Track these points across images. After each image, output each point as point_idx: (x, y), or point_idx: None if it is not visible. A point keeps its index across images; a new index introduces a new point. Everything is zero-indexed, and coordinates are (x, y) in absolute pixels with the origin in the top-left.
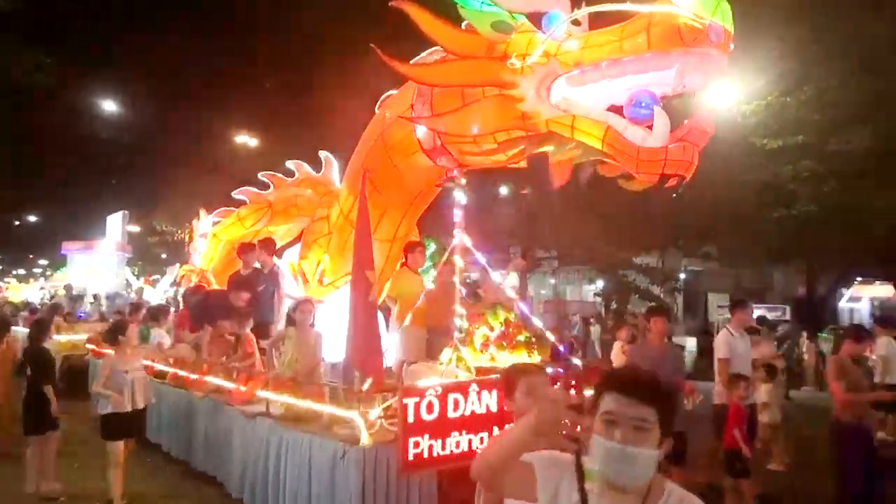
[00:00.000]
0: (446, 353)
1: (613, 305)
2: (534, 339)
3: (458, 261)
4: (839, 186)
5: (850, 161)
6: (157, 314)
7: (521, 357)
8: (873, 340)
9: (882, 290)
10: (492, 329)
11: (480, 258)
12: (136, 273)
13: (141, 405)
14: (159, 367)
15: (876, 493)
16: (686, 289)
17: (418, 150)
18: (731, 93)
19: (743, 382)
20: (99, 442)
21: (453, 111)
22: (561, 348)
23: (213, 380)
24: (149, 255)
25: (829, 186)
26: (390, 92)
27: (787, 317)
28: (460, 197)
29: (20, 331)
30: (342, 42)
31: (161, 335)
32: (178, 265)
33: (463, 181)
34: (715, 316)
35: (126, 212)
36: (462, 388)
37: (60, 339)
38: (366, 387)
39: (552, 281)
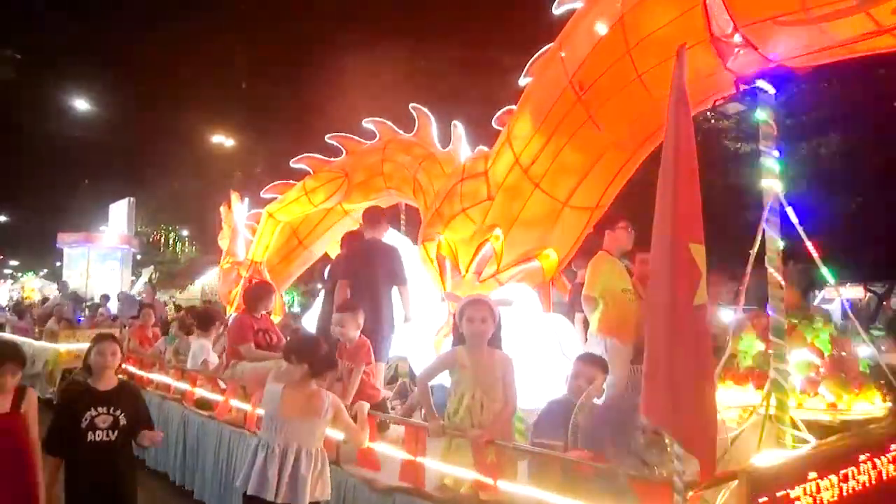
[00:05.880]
0: (728, 393)
1: None
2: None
3: (775, 236)
4: (809, 190)
5: (820, 166)
6: (205, 319)
7: (875, 405)
8: None
9: (853, 291)
10: (821, 354)
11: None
12: None
13: None
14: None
15: None
16: None
17: (697, 41)
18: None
19: None
20: None
21: None
22: None
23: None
24: None
25: (800, 190)
26: None
27: None
28: (767, 128)
29: (6, 336)
30: (326, 39)
31: (205, 348)
32: (152, 266)
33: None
34: None
35: (132, 198)
36: (833, 466)
37: (59, 349)
38: (690, 473)
39: None
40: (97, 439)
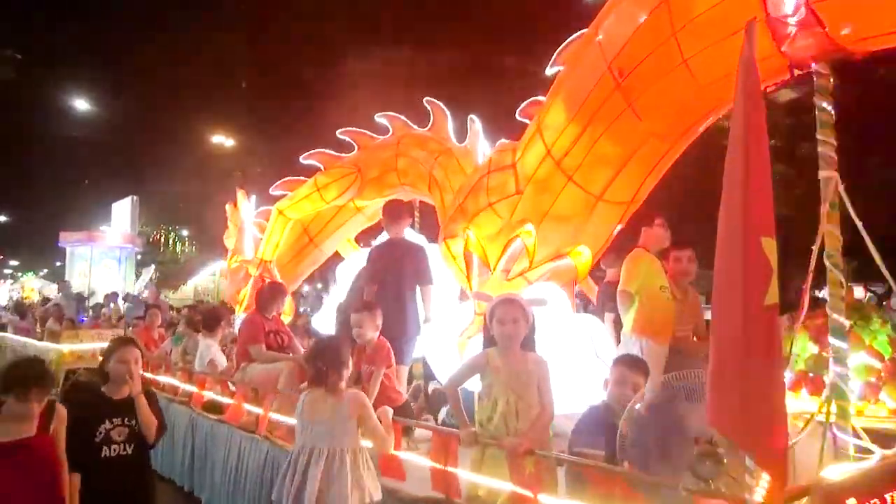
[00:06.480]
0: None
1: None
2: None
3: (835, 231)
4: (809, 190)
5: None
6: (211, 319)
7: None
8: None
9: (853, 290)
10: (880, 357)
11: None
12: None
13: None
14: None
15: None
16: None
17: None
18: None
19: None
20: None
21: None
22: None
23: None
24: None
25: (800, 190)
26: None
27: None
28: (825, 115)
29: (9, 337)
30: (327, 38)
31: (212, 349)
32: (153, 266)
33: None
34: None
35: (136, 197)
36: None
37: (63, 349)
38: (761, 493)
39: None
40: (112, 454)
